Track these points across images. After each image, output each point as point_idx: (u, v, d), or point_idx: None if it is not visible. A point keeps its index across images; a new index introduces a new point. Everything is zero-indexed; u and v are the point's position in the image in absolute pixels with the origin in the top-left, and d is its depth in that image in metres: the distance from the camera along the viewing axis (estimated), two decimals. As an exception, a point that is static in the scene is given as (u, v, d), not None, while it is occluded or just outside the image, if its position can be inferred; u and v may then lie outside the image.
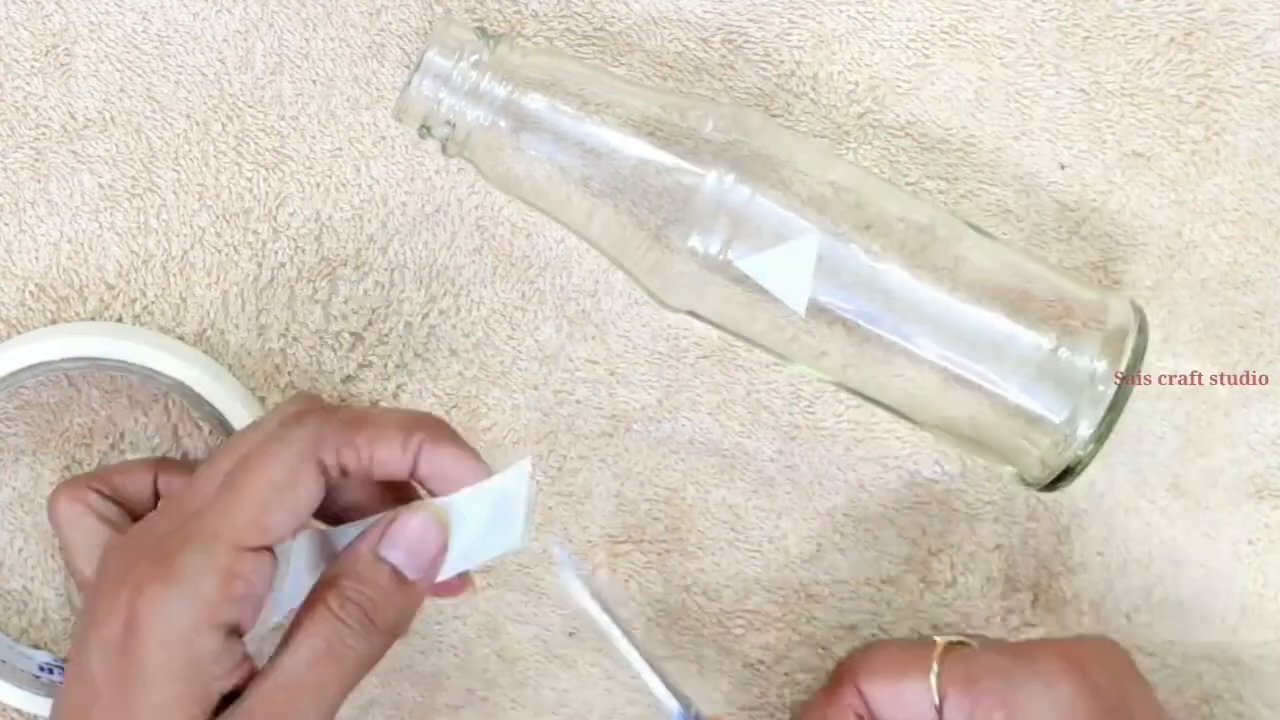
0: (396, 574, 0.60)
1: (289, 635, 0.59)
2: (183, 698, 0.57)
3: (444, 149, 0.65)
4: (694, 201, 0.63)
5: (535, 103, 0.64)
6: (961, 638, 0.65)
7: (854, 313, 0.64)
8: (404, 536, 0.61)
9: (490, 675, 0.71)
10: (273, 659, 0.59)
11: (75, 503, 0.65)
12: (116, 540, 0.61)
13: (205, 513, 0.59)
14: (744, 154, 0.64)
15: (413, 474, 0.61)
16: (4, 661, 0.69)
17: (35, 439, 0.70)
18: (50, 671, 0.69)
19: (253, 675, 0.59)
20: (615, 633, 0.62)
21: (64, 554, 0.65)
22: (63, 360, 0.66)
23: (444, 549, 0.61)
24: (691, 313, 0.66)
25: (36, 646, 0.71)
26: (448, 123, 0.64)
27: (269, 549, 0.59)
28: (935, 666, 0.64)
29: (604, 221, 0.64)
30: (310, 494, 0.59)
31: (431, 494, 0.61)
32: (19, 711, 0.70)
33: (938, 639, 0.65)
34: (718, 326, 0.66)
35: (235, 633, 0.58)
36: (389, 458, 0.60)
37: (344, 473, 0.60)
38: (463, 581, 0.63)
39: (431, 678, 0.71)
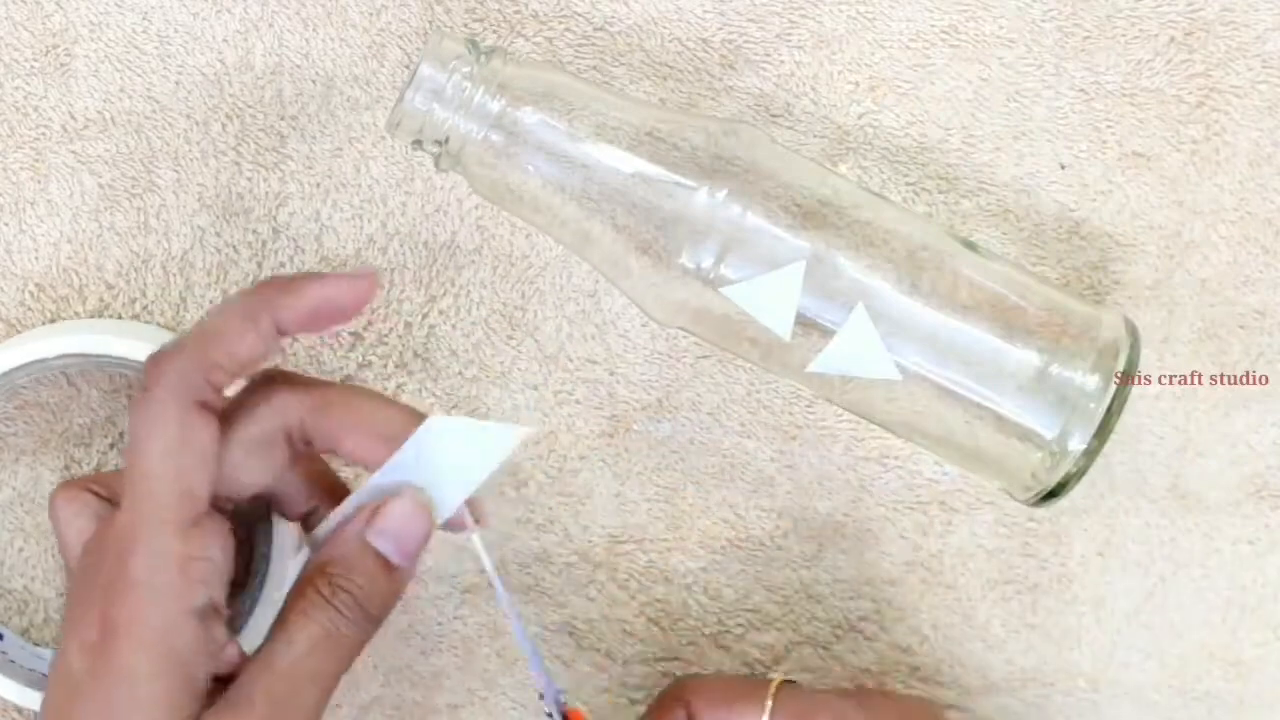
0: (384, 561, 0.60)
1: (281, 621, 0.59)
2: (170, 692, 0.57)
3: (436, 163, 0.65)
4: (685, 218, 0.63)
5: (528, 117, 0.64)
6: (793, 679, 0.67)
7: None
8: (390, 523, 0.60)
9: (490, 675, 0.71)
10: (266, 646, 0.59)
11: (70, 502, 0.65)
12: (89, 542, 0.61)
13: (132, 506, 0.59)
14: (736, 169, 0.64)
15: (283, 335, 0.60)
16: (14, 662, 0.69)
17: (35, 439, 0.70)
18: None
19: (242, 659, 0.60)
20: (508, 601, 0.62)
21: (61, 553, 0.65)
22: (61, 357, 0.66)
23: (428, 536, 0.61)
24: (683, 329, 0.66)
25: (38, 645, 0.71)
26: (441, 139, 0.64)
27: (211, 512, 0.59)
28: (769, 703, 0.65)
29: (595, 236, 0.64)
30: (207, 437, 0.59)
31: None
32: (28, 712, 0.70)
33: (772, 677, 0.66)
34: (710, 344, 0.67)
35: (213, 611, 0.59)
36: (248, 351, 0.59)
37: (219, 391, 0.59)
38: (461, 520, 0.63)
39: (431, 678, 0.71)
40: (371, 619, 0.60)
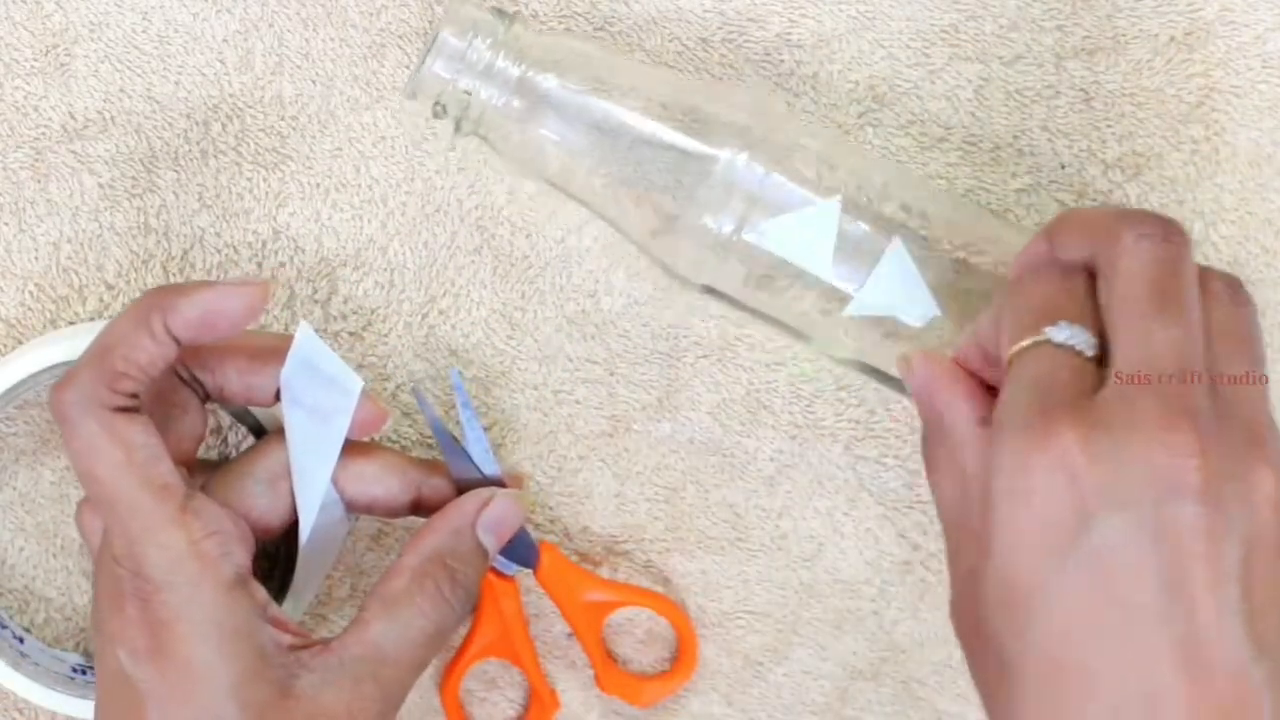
0: (485, 552, 0.63)
1: (393, 601, 0.61)
2: (246, 665, 0.59)
3: (457, 127, 0.65)
4: (709, 179, 0.63)
5: (549, 82, 0.64)
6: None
7: None
8: (499, 520, 0.63)
9: (489, 676, 0.71)
10: (367, 621, 0.60)
11: (97, 514, 0.65)
12: (99, 554, 0.62)
13: (121, 528, 0.60)
14: (760, 134, 0.64)
15: (177, 340, 0.61)
16: (38, 665, 0.69)
17: (35, 439, 0.70)
18: (83, 673, 0.69)
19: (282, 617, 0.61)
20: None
21: (94, 563, 0.66)
22: (71, 362, 0.66)
23: (517, 529, 0.65)
24: (708, 289, 0.66)
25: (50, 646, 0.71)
26: (464, 95, 0.64)
27: (192, 492, 0.60)
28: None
29: (619, 199, 0.64)
30: (141, 432, 0.60)
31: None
32: (47, 711, 0.70)
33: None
34: (735, 304, 0.66)
35: (248, 575, 0.60)
36: (145, 354, 0.61)
37: (132, 395, 0.60)
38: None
39: (431, 678, 0.71)
40: (469, 610, 0.63)
